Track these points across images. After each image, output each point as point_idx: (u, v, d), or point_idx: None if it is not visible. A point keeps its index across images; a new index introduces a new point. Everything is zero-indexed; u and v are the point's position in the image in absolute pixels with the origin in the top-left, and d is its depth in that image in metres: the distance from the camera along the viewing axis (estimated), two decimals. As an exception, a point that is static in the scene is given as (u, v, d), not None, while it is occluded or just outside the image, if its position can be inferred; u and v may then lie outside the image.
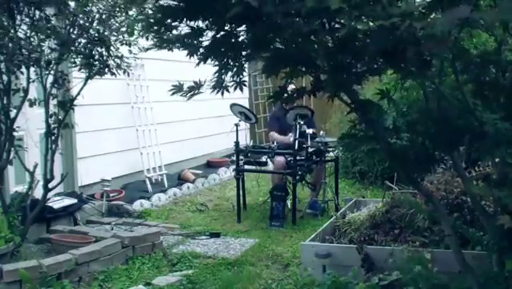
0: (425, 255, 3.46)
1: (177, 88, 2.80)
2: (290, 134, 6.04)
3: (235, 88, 2.71)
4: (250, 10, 2.07)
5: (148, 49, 2.79)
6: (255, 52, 2.55)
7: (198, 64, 2.63)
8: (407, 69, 2.46)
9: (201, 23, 2.53)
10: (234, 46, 2.54)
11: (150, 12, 2.62)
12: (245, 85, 2.73)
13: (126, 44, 4.59)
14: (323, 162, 5.93)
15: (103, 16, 4.44)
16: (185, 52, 2.62)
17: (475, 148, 2.86)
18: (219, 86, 2.70)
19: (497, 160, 3.08)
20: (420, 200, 4.14)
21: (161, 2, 2.52)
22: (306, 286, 3.64)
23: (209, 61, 2.64)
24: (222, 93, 2.72)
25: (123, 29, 4.52)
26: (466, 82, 2.81)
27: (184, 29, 2.59)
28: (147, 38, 2.70)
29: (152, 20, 2.54)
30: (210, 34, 2.56)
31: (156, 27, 2.56)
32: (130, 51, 4.60)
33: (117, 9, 4.44)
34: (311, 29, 2.17)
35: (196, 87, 2.78)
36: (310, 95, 2.78)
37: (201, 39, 2.57)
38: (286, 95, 2.92)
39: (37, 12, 4.22)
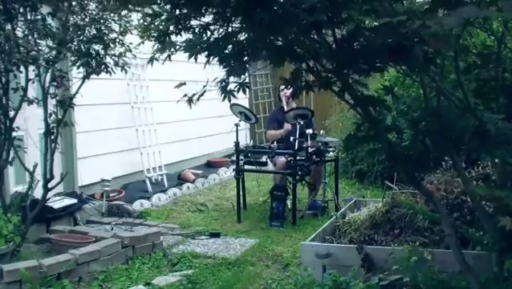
0: (425, 255, 3.47)
1: (188, 98, 2.84)
2: (286, 125, 6.06)
3: (238, 90, 2.72)
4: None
5: (151, 60, 2.80)
6: (258, 51, 2.55)
7: (205, 66, 2.64)
8: (411, 66, 2.46)
9: (206, 19, 2.54)
10: (237, 45, 2.55)
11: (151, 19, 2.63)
12: (248, 87, 2.74)
13: (123, 43, 4.58)
14: (323, 162, 5.93)
15: (100, 14, 4.43)
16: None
17: (475, 148, 2.85)
18: (224, 91, 2.72)
19: (496, 160, 3.08)
20: (420, 200, 4.14)
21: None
22: (306, 286, 3.63)
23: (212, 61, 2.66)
24: (229, 99, 2.74)
25: (116, 25, 4.50)
26: (468, 80, 2.81)
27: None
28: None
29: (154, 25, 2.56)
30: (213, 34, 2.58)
31: (158, 35, 2.58)
32: (129, 49, 4.59)
33: (108, 10, 4.43)
34: (317, 20, 2.16)
35: (201, 93, 2.82)
36: (319, 89, 2.77)
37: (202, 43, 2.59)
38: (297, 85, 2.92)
39: (32, 12, 4.22)
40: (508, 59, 3.04)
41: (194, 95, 2.82)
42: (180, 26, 2.57)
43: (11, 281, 3.67)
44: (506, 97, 2.91)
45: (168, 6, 2.56)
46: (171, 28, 2.57)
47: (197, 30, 2.58)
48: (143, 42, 2.84)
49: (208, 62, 2.63)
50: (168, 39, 2.62)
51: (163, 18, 2.59)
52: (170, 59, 2.72)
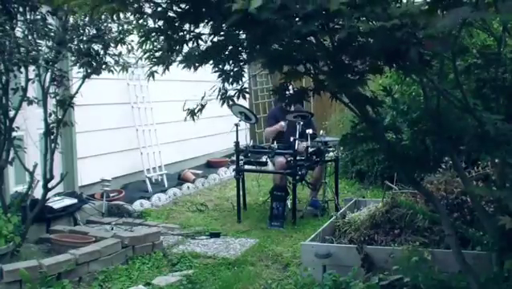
0: (425, 255, 3.47)
1: (190, 112, 2.89)
2: (282, 122, 6.06)
3: (238, 97, 2.72)
4: (249, 17, 2.06)
5: (151, 74, 2.81)
6: (253, 55, 2.55)
7: (196, 69, 2.64)
8: (408, 68, 2.46)
9: (201, 28, 2.54)
10: (232, 49, 2.55)
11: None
12: (247, 92, 2.74)
13: (124, 42, 4.58)
14: (322, 162, 5.93)
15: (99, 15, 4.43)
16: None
17: (475, 148, 2.85)
18: (223, 97, 2.72)
19: (496, 160, 3.08)
20: (420, 200, 4.14)
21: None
22: (306, 286, 3.63)
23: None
24: (228, 104, 2.74)
25: (113, 25, 4.50)
26: (467, 80, 2.81)
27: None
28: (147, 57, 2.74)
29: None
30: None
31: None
32: (128, 50, 4.59)
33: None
34: (311, 30, 2.17)
35: (202, 106, 2.87)
36: (314, 95, 2.78)
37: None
38: (288, 94, 2.92)
39: (32, 12, 4.22)
40: (508, 60, 3.03)
41: (196, 108, 2.84)
42: (174, 45, 2.58)
43: (11, 281, 3.68)
44: (506, 98, 2.91)
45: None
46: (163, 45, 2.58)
47: (190, 44, 2.59)
48: (140, 59, 2.85)
49: (200, 66, 2.63)
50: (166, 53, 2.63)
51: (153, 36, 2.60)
52: (168, 69, 2.72)
